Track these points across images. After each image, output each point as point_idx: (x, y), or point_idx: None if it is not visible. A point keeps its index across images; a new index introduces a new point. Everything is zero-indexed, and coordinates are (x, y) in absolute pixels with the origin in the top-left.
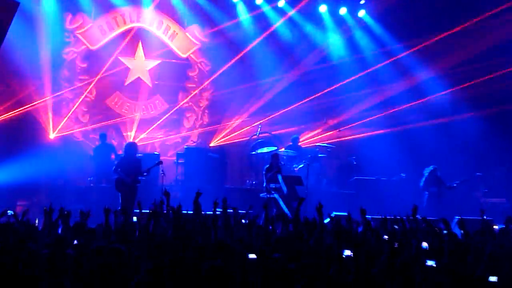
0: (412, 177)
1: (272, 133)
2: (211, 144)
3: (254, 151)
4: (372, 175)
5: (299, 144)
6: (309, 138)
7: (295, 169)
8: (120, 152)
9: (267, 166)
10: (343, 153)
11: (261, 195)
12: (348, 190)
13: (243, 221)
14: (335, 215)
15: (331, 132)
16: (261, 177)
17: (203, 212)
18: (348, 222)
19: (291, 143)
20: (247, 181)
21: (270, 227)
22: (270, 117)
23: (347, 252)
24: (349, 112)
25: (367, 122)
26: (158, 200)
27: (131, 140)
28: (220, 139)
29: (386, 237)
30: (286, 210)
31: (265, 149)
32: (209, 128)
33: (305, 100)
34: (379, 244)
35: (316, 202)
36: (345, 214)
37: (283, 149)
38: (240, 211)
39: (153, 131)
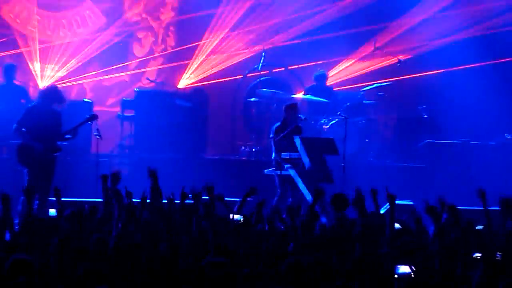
0: None
1: (285, 67)
2: (180, 85)
3: (254, 96)
4: (456, 137)
5: (329, 85)
6: (346, 75)
7: (324, 127)
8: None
9: (278, 124)
10: (407, 101)
11: (266, 171)
12: (414, 162)
13: (236, 217)
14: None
15: (385, 62)
16: (266, 141)
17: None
18: (416, 221)
19: (315, 83)
20: (242, 147)
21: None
22: (282, 41)
23: (404, 269)
24: (418, 34)
25: (448, 48)
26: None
27: (39, 79)
28: (196, 76)
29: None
30: (309, 196)
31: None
32: (176, 60)
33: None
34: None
35: (358, 182)
36: (410, 203)
37: (301, 94)
38: (230, 200)
39: (80, 60)
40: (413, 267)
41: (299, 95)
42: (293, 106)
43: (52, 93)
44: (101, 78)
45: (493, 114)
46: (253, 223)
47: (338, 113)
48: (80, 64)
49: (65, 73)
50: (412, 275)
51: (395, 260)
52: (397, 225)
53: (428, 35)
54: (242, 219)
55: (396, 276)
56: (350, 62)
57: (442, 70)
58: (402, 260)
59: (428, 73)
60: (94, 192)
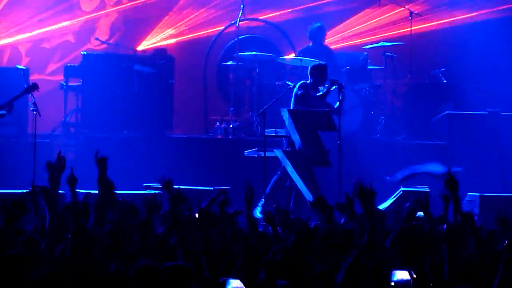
0: None
1: (270, 19)
2: (140, 47)
3: (231, 59)
4: (482, 107)
5: (326, 43)
6: (346, 30)
7: (319, 96)
8: None
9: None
10: (421, 63)
11: (247, 152)
12: (431, 138)
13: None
14: (403, 193)
15: (392, 12)
16: (247, 115)
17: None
18: (428, 215)
19: (310, 43)
20: (217, 123)
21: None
22: None
23: (400, 275)
24: None
25: None
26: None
27: None
28: (158, 35)
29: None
30: (302, 185)
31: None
32: (134, 15)
33: None
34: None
35: (360, 165)
36: (426, 190)
37: (292, 56)
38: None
39: (13, 20)
40: (413, 274)
41: (289, 57)
42: (322, 67)
43: None
44: (39, 38)
45: None
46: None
47: (337, 79)
48: (13, 21)
49: None
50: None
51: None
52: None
53: None
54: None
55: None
56: (351, 15)
57: (464, 20)
58: (402, 264)
59: (446, 24)
60: (30, 182)
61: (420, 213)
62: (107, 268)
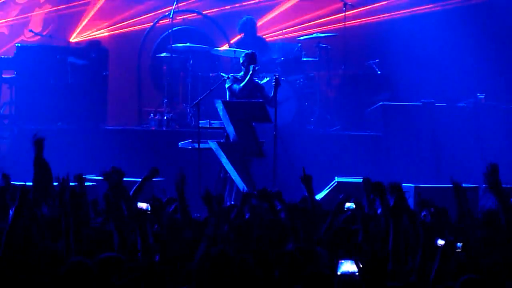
0: (503, 100)
1: (204, 12)
2: (74, 39)
3: (165, 51)
4: (417, 98)
5: (260, 34)
6: (280, 21)
7: (242, 86)
8: None
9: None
10: (355, 54)
11: (181, 144)
12: (365, 130)
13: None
14: (338, 183)
15: (327, 4)
16: (181, 106)
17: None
18: (369, 201)
19: (242, 34)
20: (151, 115)
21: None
22: None
23: (346, 266)
24: None
25: None
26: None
27: None
28: (92, 26)
29: (440, 242)
30: (236, 177)
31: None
32: (68, 6)
33: None
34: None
35: (295, 156)
36: (359, 181)
37: (225, 47)
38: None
39: None
40: (360, 265)
41: (223, 48)
42: (249, 55)
43: None
44: None
45: (462, 69)
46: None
47: (273, 74)
48: None
49: None
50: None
51: (335, 255)
52: (349, 205)
53: None
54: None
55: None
56: (285, 7)
57: (399, 13)
58: (344, 255)
59: (380, 17)
60: None
61: (350, 204)
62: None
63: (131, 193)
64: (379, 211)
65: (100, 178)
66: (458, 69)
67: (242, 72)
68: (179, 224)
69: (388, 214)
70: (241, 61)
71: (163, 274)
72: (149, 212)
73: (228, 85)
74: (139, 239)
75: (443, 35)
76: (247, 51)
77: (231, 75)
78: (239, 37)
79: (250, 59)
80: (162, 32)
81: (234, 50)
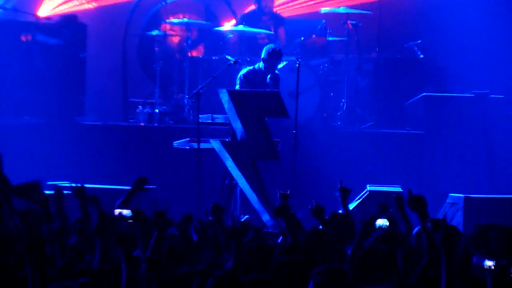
0: None
1: None
2: (42, 12)
3: (156, 29)
4: (468, 88)
5: (276, 10)
6: None
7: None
8: None
9: (249, 68)
10: (392, 33)
11: (176, 143)
12: (404, 126)
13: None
14: (370, 192)
15: None
16: (176, 96)
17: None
18: (404, 217)
19: (253, 6)
20: (139, 107)
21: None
22: None
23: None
24: None
25: None
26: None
27: None
28: None
29: (489, 263)
30: (245, 184)
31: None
32: None
33: None
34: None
35: (320, 160)
36: (398, 190)
37: (232, 24)
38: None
39: None
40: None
41: (229, 26)
42: (277, 53)
43: None
44: None
45: None
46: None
47: (297, 59)
48: None
49: None
50: None
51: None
52: (381, 222)
53: None
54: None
55: None
56: None
57: None
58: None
59: None
60: None
61: (383, 222)
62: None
63: (117, 202)
64: (416, 230)
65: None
66: None
67: (260, 65)
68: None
69: (436, 239)
70: (262, 56)
71: None
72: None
73: (245, 80)
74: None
75: (502, 12)
76: (272, 46)
77: (244, 71)
78: (250, 9)
79: (277, 57)
80: (153, 5)
81: (243, 30)
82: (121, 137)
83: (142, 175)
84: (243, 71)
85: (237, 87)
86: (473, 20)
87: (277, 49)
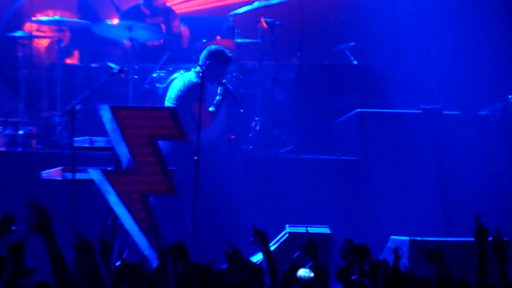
0: None
1: None
2: None
3: (19, 29)
4: (414, 103)
5: (169, 4)
6: None
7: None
8: None
9: (190, 81)
10: (317, 35)
11: (44, 173)
12: (334, 151)
13: None
14: (290, 235)
15: None
16: (46, 115)
17: None
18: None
19: (141, 1)
20: None
21: None
22: None
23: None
24: None
25: None
26: None
27: None
28: None
29: None
30: (132, 224)
31: None
32: None
33: None
34: None
35: (230, 194)
36: (326, 231)
37: (115, 22)
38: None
39: None
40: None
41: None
42: (222, 55)
43: None
44: None
45: (483, 62)
46: None
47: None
48: None
49: None
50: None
51: None
52: (303, 272)
53: None
54: None
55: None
56: None
57: None
58: None
59: None
60: None
61: (305, 272)
62: None
63: None
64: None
65: None
66: (479, 62)
67: (191, 77)
68: None
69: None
70: (201, 61)
71: None
72: None
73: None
74: None
75: (457, 7)
76: (215, 47)
77: (188, 82)
78: (135, 3)
79: (226, 60)
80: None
81: (130, 25)
82: None
83: (6, 213)
84: (184, 80)
85: (175, 103)
86: (423, 18)
87: (223, 49)
